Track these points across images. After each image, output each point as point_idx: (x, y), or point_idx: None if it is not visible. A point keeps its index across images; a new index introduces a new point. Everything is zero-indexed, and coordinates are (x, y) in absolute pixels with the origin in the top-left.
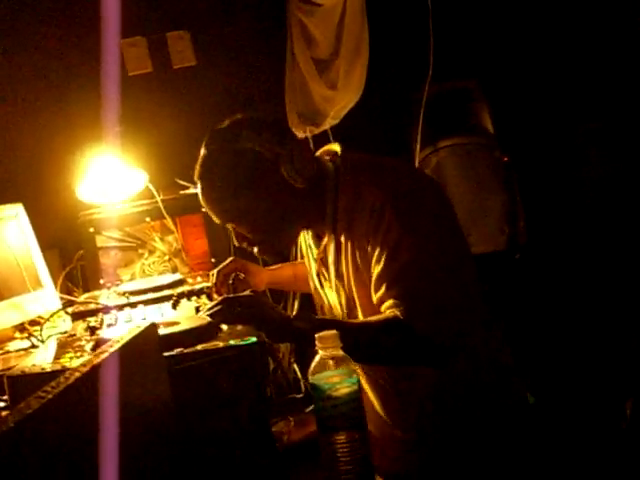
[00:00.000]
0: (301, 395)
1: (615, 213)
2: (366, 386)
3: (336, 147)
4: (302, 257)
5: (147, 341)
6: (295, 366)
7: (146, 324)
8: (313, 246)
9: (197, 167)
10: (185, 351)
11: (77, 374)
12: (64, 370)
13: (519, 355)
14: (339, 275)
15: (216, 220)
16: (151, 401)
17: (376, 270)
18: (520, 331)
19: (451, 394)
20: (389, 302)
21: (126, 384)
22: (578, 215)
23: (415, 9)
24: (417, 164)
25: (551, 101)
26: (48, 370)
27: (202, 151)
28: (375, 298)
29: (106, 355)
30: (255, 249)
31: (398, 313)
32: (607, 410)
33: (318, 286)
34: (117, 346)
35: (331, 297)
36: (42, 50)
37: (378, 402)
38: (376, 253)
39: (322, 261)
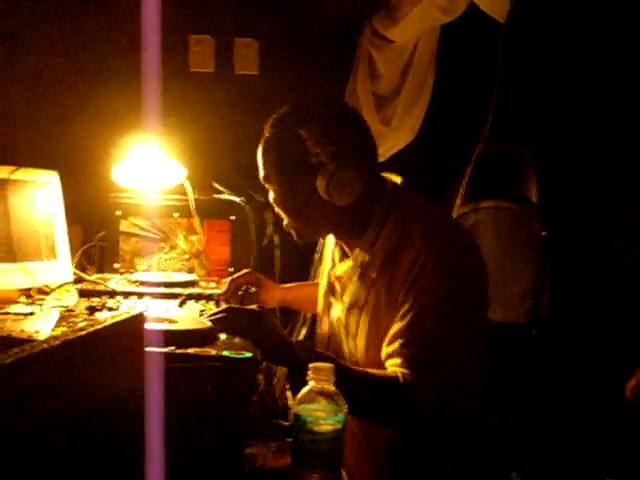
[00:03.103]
0: (288, 423)
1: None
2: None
3: (397, 179)
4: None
5: (131, 330)
6: (288, 393)
7: (134, 313)
8: (337, 260)
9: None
10: (176, 351)
11: (44, 345)
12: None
13: (511, 431)
14: (353, 300)
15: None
16: (121, 390)
17: (397, 324)
18: (518, 406)
19: (427, 467)
20: (396, 360)
21: (97, 366)
22: (603, 300)
23: (484, 66)
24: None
25: (598, 182)
26: (22, 337)
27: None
28: (385, 350)
29: (82, 333)
30: (284, 220)
31: (400, 376)
32: None
33: (324, 298)
34: (96, 327)
35: (335, 315)
36: (101, 31)
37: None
38: (405, 307)
39: (339, 278)
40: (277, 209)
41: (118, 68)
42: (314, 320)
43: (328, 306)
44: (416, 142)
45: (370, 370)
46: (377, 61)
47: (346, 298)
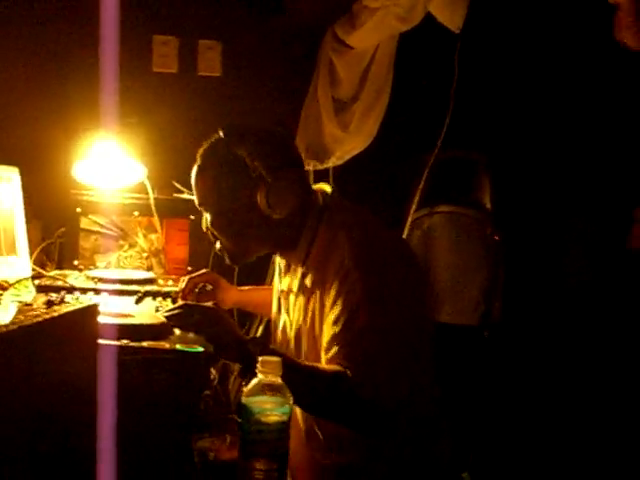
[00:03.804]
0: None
1: (592, 309)
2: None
3: (327, 188)
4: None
5: (85, 320)
6: (244, 389)
7: (87, 303)
8: (282, 273)
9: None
10: (129, 344)
11: (2, 329)
12: None
13: (463, 431)
14: (295, 311)
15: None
16: (73, 379)
17: (332, 330)
18: (469, 407)
19: (380, 458)
20: (339, 362)
21: (52, 353)
22: (555, 304)
23: (441, 73)
24: (409, 223)
25: (552, 189)
26: None
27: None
28: (325, 357)
29: (39, 319)
30: (217, 244)
31: (349, 372)
32: None
33: (276, 311)
34: (52, 315)
35: (285, 326)
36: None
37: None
38: (335, 313)
39: (283, 291)
40: (212, 233)
41: (80, 66)
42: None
43: (278, 319)
44: (373, 147)
45: (321, 366)
46: (337, 66)
47: (291, 314)
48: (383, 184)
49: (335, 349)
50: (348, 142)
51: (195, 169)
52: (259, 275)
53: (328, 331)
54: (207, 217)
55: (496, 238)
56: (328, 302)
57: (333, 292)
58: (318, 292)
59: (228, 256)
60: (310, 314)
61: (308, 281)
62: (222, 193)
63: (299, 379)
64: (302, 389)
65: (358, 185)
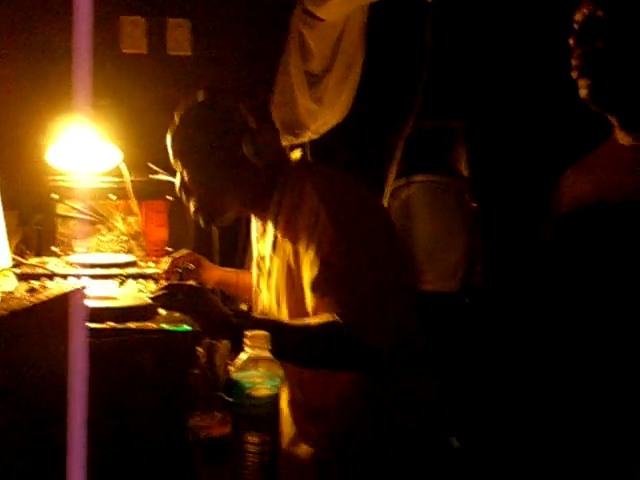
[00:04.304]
0: (231, 399)
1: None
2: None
3: (297, 153)
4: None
5: (72, 303)
6: (231, 368)
7: (74, 286)
8: (259, 240)
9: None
10: (115, 326)
11: None
12: None
13: (450, 398)
14: (270, 271)
15: (171, 157)
16: (60, 362)
17: (311, 275)
18: (454, 374)
19: (366, 422)
20: (326, 307)
21: (42, 337)
22: (534, 269)
23: (414, 42)
24: (388, 194)
25: (528, 154)
26: None
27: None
28: (310, 303)
29: (28, 304)
30: (191, 206)
31: (338, 318)
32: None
33: (255, 284)
34: (41, 299)
35: (264, 293)
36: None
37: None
38: (310, 257)
39: (262, 257)
40: (186, 195)
41: (49, 49)
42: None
43: (258, 291)
44: (348, 120)
45: (309, 320)
46: (308, 39)
47: (271, 278)
48: (360, 157)
49: (318, 294)
50: (322, 116)
51: (175, 124)
52: (240, 252)
53: (307, 276)
54: (184, 174)
55: (474, 205)
56: (302, 249)
57: (305, 241)
58: (291, 245)
59: (203, 217)
60: (286, 269)
61: (280, 236)
62: (205, 144)
63: (292, 338)
64: (296, 347)
65: (335, 159)
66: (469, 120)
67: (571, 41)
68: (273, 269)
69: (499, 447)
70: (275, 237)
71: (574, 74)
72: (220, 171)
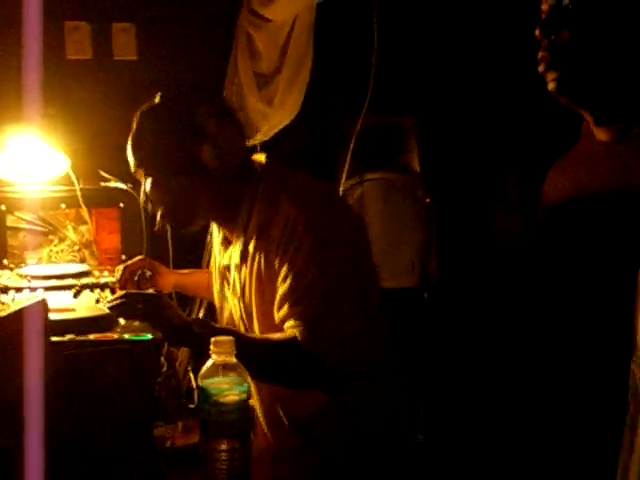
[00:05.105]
0: (193, 406)
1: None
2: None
3: (262, 157)
4: (209, 261)
5: (34, 316)
6: (191, 375)
7: (36, 299)
8: (222, 250)
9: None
10: (76, 338)
11: None
12: None
13: (413, 392)
14: (241, 283)
15: (131, 165)
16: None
17: (282, 287)
18: (418, 369)
19: (336, 422)
20: (291, 322)
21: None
22: (490, 262)
23: (363, 41)
24: (341, 193)
25: (479, 148)
26: None
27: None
28: (277, 316)
29: None
30: (158, 215)
31: (298, 334)
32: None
33: (219, 292)
34: (1, 314)
35: (232, 304)
36: None
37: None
38: (283, 270)
39: (226, 267)
40: (152, 204)
41: None
42: (210, 302)
43: (223, 300)
44: (299, 119)
45: (269, 334)
46: (256, 40)
47: (237, 288)
48: (311, 156)
49: (286, 307)
50: (273, 117)
51: (134, 130)
52: (195, 256)
53: (278, 289)
54: (148, 182)
55: (427, 200)
56: (276, 261)
57: (280, 253)
58: (262, 255)
59: (171, 225)
60: (256, 280)
61: (251, 247)
62: (165, 150)
63: (248, 351)
64: (252, 361)
65: (286, 159)
66: (419, 116)
67: (537, 32)
68: (241, 280)
69: (463, 441)
70: (244, 247)
71: (541, 67)
72: (181, 178)
